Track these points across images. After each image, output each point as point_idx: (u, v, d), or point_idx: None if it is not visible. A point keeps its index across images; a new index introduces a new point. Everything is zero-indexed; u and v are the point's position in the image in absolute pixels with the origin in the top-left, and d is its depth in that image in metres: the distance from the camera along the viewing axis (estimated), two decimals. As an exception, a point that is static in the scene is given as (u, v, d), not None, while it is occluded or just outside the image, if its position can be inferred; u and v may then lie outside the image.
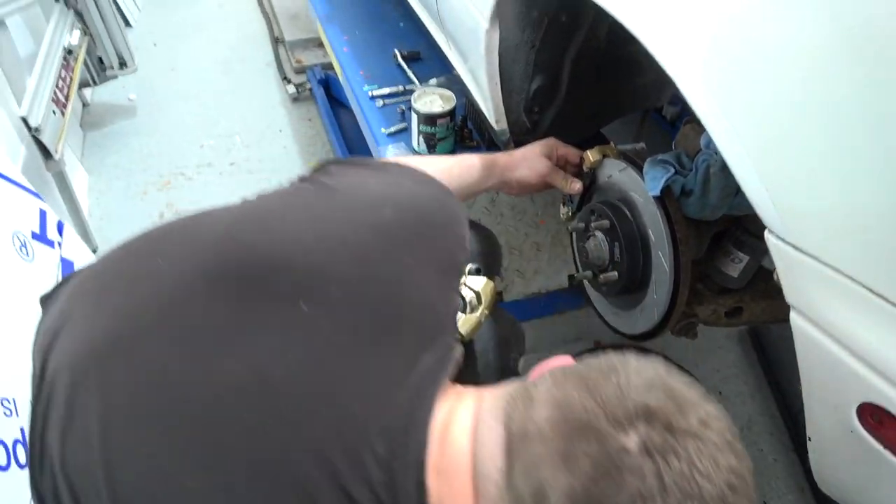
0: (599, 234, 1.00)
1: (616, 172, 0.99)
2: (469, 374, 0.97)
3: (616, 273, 0.98)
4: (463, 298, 0.91)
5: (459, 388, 0.58)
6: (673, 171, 0.90)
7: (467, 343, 0.96)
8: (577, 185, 1.05)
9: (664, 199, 0.89)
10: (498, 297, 0.97)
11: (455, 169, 1.01)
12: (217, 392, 0.51)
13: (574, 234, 1.13)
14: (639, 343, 1.02)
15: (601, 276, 0.99)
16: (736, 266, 1.00)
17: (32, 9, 1.99)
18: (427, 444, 0.51)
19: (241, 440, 0.49)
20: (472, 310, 0.90)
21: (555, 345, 1.81)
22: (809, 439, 0.70)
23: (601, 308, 1.11)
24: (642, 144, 1.06)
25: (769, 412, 1.70)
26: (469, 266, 0.95)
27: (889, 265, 0.52)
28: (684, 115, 1.80)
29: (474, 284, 0.92)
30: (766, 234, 0.62)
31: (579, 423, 0.45)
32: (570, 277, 1.67)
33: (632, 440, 0.44)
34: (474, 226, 1.15)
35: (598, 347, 1.61)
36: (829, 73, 0.50)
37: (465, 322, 0.88)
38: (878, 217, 0.51)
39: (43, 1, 2.09)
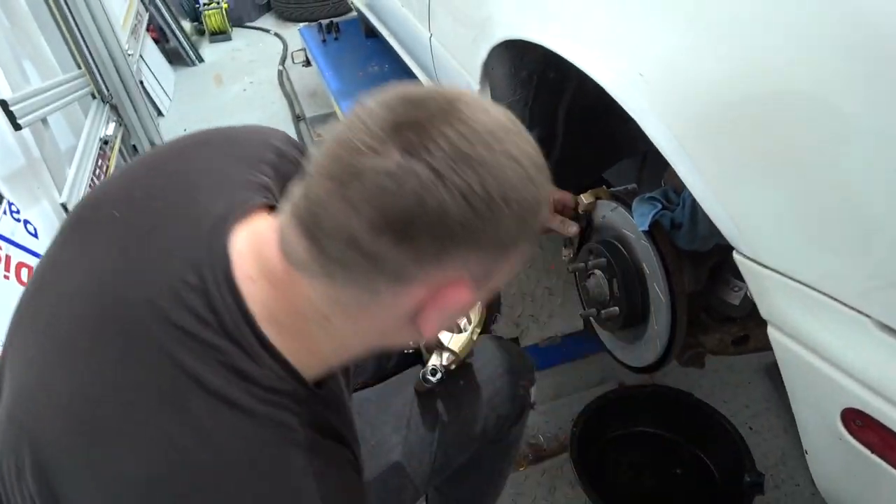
0: (598, 272, 1.04)
1: (608, 212, 1.04)
2: (478, 405, 1.00)
3: (616, 308, 1.02)
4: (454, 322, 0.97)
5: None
6: (660, 206, 0.94)
7: (467, 365, 1.01)
8: (573, 228, 1.10)
9: (654, 232, 0.93)
10: (490, 318, 1.01)
11: None
12: (65, 295, 0.58)
13: (576, 274, 1.17)
14: (648, 373, 1.05)
15: (603, 312, 1.03)
16: (736, 294, 1.03)
17: (72, 106, 2.17)
18: (229, 257, 0.56)
19: (84, 328, 0.55)
20: (463, 329, 0.97)
21: (578, 389, 1.82)
22: (806, 452, 0.72)
23: (609, 344, 1.14)
24: (634, 185, 1.11)
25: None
26: None
27: (845, 272, 0.56)
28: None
29: None
30: (734, 255, 0.66)
31: (343, 169, 0.48)
32: (581, 314, 1.71)
33: (391, 156, 0.47)
34: None
35: (622, 389, 1.62)
36: (774, 105, 0.55)
37: (456, 341, 0.95)
38: (832, 228, 0.55)
39: (81, 99, 2.27)
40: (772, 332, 0.66)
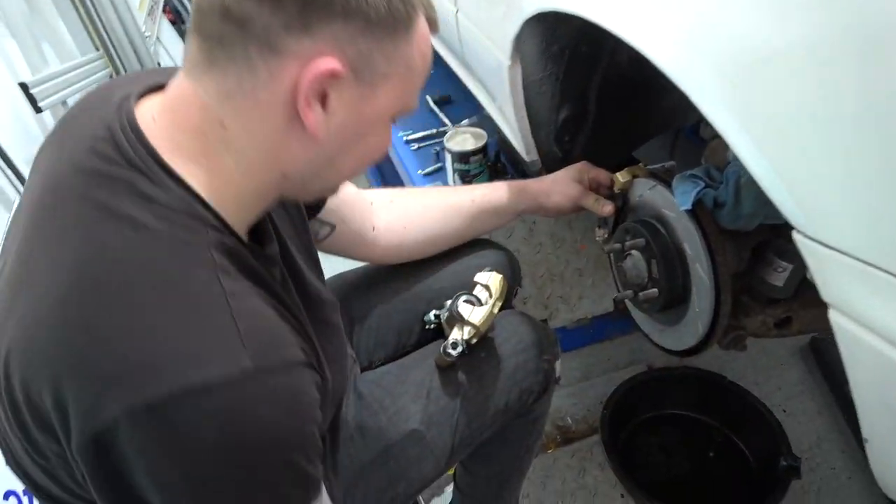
0: (636, 253, 1.01)
1: (646, 191, 1.01)
2: (500, 378, 0.99)
3: (656, 290, 0.98)
4: (475, 296, 0.97)
5: None
6: (703, 184, 0.91)
7: (489, 339, 1.00)
8: (608, 208, 1.06)
9: (696, 212, 0.90)
10: (511, 292, 1.00)
11: (481, 190, 1.09)
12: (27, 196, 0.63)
13: (611, 256, 1.14)
14: (688, 357, 1.01)
15: (641, 295, 1.00)
16: (780, 275, 0.99)
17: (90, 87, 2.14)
18: (133, 110, 0.60)
19: (29, 212, 0.60)
20: (483, 303, 0.96)
21: (607, 370, 1.80)
22: (866, 441, 0.69)
23: (646, 327, 1.10)
24: (672, 163, 1.07)
25: (838, 429, 1.64)
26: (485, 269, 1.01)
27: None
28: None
29: (483, 279, 0.98)
30: (794, 234, 0.62)
31: None
32: (615, 300, 1.67)
33: None
34: (491, 244, 1.17)
35: (652, 371, 1.59)
36: (839, 75, 0.51)
37: (476, 314, 0.94)
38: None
39: (99, 80, 2.25)
40: (834, 317, 0.62)
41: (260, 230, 0.71)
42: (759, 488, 1.43)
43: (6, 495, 1.07)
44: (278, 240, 0.76)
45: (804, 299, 1.06)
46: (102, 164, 0.57)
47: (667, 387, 1.59)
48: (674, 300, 0.98)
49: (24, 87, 1.78)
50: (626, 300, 1.07)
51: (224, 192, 0.60)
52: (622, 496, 1.48)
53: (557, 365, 1.08)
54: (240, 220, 0.63)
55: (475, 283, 0.99)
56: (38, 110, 1.84)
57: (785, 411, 1.68)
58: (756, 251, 1.02)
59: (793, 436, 1.46)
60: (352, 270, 1.20)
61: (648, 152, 1.52)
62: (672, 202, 0.94)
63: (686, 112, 1.32)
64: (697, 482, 1.49)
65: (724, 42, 0.61)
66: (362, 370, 1.05)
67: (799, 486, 1.38)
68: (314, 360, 0.64)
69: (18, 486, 1.11)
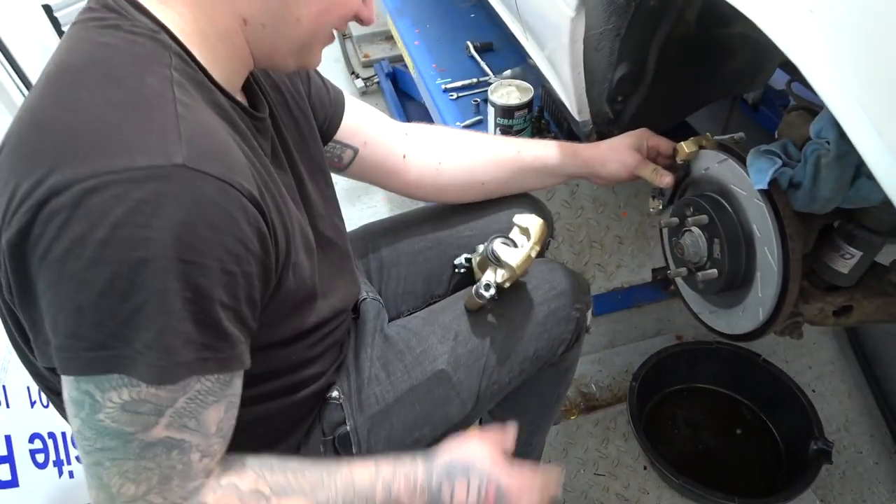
0: (696, 230, 0.95)
1: (714, 164, 0.94)
2: (531, 324, 0.96)
3: (716, 271, 0.93)
4: (510, 239, 0.94)
5: None
6: (780, 162, 0.84)
7: (520, 284, 0.97)
8: (667, 179, 1.00)
9: (771, 192, 0.84)
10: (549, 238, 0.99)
11: (530, 145, 1.04)
12: None
13: (665, 230, 1.08)
14: (741, 342, 0.97)
15: (699, 275, 0.94)
16: (847, 262, 0.93)
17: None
18: None
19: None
20: (520, 246, 0.92)
21: (634, 338, 1.76)
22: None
23: (696, 306, 1.06)
24: (741, 134, 1.00)
25: (868, 411, 1.61)
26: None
27: None
28: (770, 100, 1.71)
29: (523, 221, 0.94)
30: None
31: None
32: (654, 271, 1.62)
33: None
34: (526, 196, 1.12)
35: (685, 344, 1.55)
36: None
37: (514, 255, 0.90)
38: None
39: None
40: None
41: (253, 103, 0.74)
42: (787, 470, 1.41)
43: (31, 438, 1.06)
44: (279, 139, 0.77)
45: (867, 288, 1.00)
46: (85, 14, 0.62)
47: (698, 360, 1.56)
48: (733, 283, 0.93)
49: (47, 9, 1.70)
50: (678, 277, 1.02)
51: (193, 35, 0.62)
52: (645, 468, 1.46)
53: (589, 314, 1.05)
54: (219, 70, 0.64)
55: (513, 225, 0.95)
56: (60, 34, 1.77)
57: (814, 391, 1.65)
58: (822, 234, 0.96)
59: (821, 417, 1.42)
60: (378, 221, 1.15)
61: (699, 122, 1.44)
62: (743, 179, 0.88)
63: (752, 78, 1.23)
64: (722, 459, 1.47)
65: (846, 7, 0.54)
66: (391, 320, 1.02)
67: (824, 468, 1.35)
68: (270, 215, 0.62)
69: (43, 429, 1.10)
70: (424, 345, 0.92)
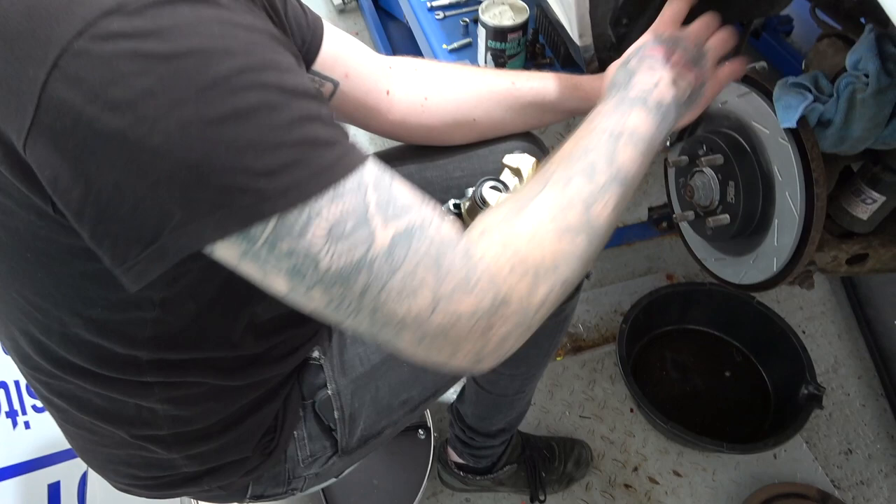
0: (709, 171, 0.87)
1: (733, 98, 0.85)
2: None
3: (728, 216, 0.85)
4: (502, 182, 0.84)
5: None
6: (811, 97, 0.75)
7: None
8: None
9: (799, 130, 0.75)
10: None
11: (525, 77, 0.93)
12: None
13: (670, 169, 0.99)
14: (751, 292, 0.90)
15: (709, 220, 0.86)
16: (867, 207, 0.86)
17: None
18: None
19: None
20: (512, 188, 0.83)
21: (623, 277, 1.71)
22: None
23: (700, 252, 0.98)
24: (763, 63, 0.90)
25: (857, 354, 1.59)
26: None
27: None
28: (772, 27, 1.59)
29: (514, 161, 0.85)
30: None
31: None
32: (651, 210, 1.55)
33: None
34: (527, 134, 1.02)
35: (678, 285, 1.50)
36: None
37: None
38: None
39: None
40: None
41: None
42: (775, 414, 1.39)
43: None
44: None
45: (885, 235, 0.94)
46: None
47: (690, 302, 1.51)
48: (747, 230, 0.85)
49: None
50: (685, 221, 0.94)
51: None
52: (631, 410, 1.44)
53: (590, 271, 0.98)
54: None
55: (503, 167, 0.87)
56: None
57: (804, 332, 1.62)
58: (842, 177, 0.88)
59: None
60: None
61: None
62: (767, 115, 0.79)
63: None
64: (711, 402, 1.44)
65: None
66: None
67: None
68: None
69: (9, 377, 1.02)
70: None
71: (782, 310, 1.65)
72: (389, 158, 1.00)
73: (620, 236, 1.76)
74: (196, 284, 0.60)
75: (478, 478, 1.28)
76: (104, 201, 0.43)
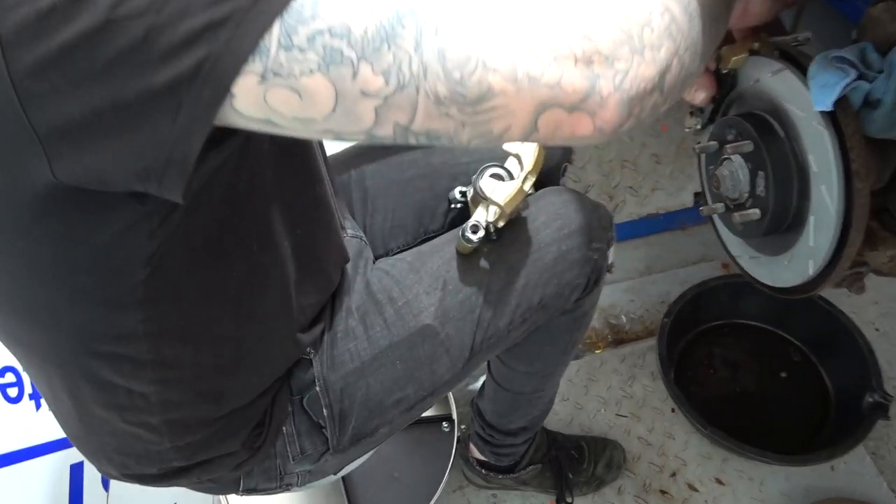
0: (737, 159, 0.76)
1: (767, 76, 0.73)
2: (535, 269, 0.82)
3: (758, 210, 0.75)
4: (505, 168, 0.78)
5: None
6: (854, 74, 0.63)
7: (522, 221, 0.82)
8: (702, 95, 0.80)
9: (837, 114, 0.64)
10: (559, 168, 0.83)
11: None
12: None
13: (702, 156, 0.89)
14: (785, 296, 0.80)
15: (737, 214, 0.76)
16: (930, 200, 0.74)
17: None
18: None
19: None
20: (514, 177, 0.78)
21: (673, 265, 1.59)
22: None
23: (734, 248, 0.88)
24: (807, 34, 0.78)
25: (940, 355, 1.42)
26: None
27: None
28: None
29: (514, 147, 0.79)
30: None
31: None
32: (697, 196, 1.42)
33: None
34: None
35: (727, 277, 1.37)
36: None
37: (501, 190, 0.76)
38: None
39: None
40: None
41: None
42: (835, 423, 1.26)
43: (2, 372, 1.02)
44: None
45: (954, 232, 0.81)
46: None
47: (743, 293, 1.38)
48: (779, 226, 0.75)
49: None
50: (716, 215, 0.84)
51: None
52: (673, 411, 1.34)
53: (610, 252, 0.90)
54: None
55: (507, 154, 0.81)
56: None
57: (878, 329, 1.46)
58: (903, 165, 0.76)
59: (881, 359, 1.25)
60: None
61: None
62: (802, 95, 0.68)
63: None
64: (762, 406, 1.32)
65: None
66: (377, 258, 0.90)
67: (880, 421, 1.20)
68: None
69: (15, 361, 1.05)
70: (408, 296, 0.80)
71: (853, 304, 1.49)
72: (395, 147, 0.95)
73: (673, 220, 1.64)
74: (187, 226, 0.55)
75: (500, 476, 1.23)
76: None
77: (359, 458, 0.89)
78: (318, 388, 0.77)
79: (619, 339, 1.47)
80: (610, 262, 0.90)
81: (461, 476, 1.29)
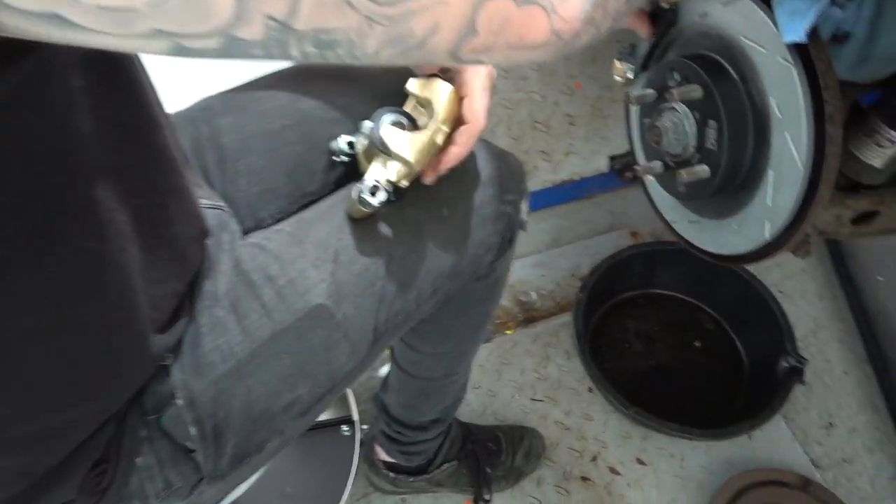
0: (682, 108, 0.66)
1: (717, 7, 0.63)
2: (444, 230, 0.70)
3: (706, 167, 0.65)
4: (407, 115, 0.65)
5: None
6: (826, 0, 0.54)
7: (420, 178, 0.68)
8: (645, 28, 0.69)
9: (809, 47, 0.54)
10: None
11: None
12: None
13: (632, 106, 0.78)
14: (733, 264, 0.71)
15: (682, 172, 0.66)
16: (882, 152, 0.67)
17: None
18: None
19: None
20: (420, 126, 0.65)
21: (582, 236, 1.51)
22: None
23: (669, 213, 0.78)
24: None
25: (839, 316, 1.43)
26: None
27: None
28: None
29: (423, 89, 0.65)
30: None
31: None
32: (612, 160, 1.34)
33: None
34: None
35: (641, 246, 1.30)
36: None
37: (409, 143, 0.62)
38: None
39: None
40: None
41: None
42: (752, 388, 1.23)
43: None
44: None
45: (901, 187, 0.75)
46: None
47: (656, 263, 1.32)
48: (732, 186, 0.65)
49: None
50: (653, 175, 0.74)
51: None
52: (590, 390, 1.26)
53: (523, 205, 0.79)
54: None
55: (408, 95, 0.66)
56: None
57: (781, 292, 1.46)
58: (854, 113, 0.68)
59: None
60: (221, 93, 0.79)
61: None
62: (763, 27, 0.57)
63: None
64: (679, 377, 1.27)
65: None
66: (247, 232, 0.72)
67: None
68: None
69: None
70: (291, 272, 0.64)
71: (757, 269, 1.48)
72: (254, 89, 0.77)
73: (579, 189, 1.56)
74: None
75: (411, 479, 1.09)
76: None
77: (244, 480, 0.72)
78: (179, 403, 0.59)
79: (530, 317, 1.37)
80: (523, 216, 0.79)
81: (366, 484, 1.14)
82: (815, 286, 1.47)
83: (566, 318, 1.34)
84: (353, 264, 0.66)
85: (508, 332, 1.34)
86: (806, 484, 1.13)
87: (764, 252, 0.67)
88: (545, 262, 1.45)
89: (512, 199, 0.75)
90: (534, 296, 1.40)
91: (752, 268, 1.30)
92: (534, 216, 1.54)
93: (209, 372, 0.60)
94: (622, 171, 1.46)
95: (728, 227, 0.69)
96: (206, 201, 0.68)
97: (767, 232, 0.64)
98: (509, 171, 0.76)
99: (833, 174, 0.57)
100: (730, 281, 1.27)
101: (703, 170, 0.65)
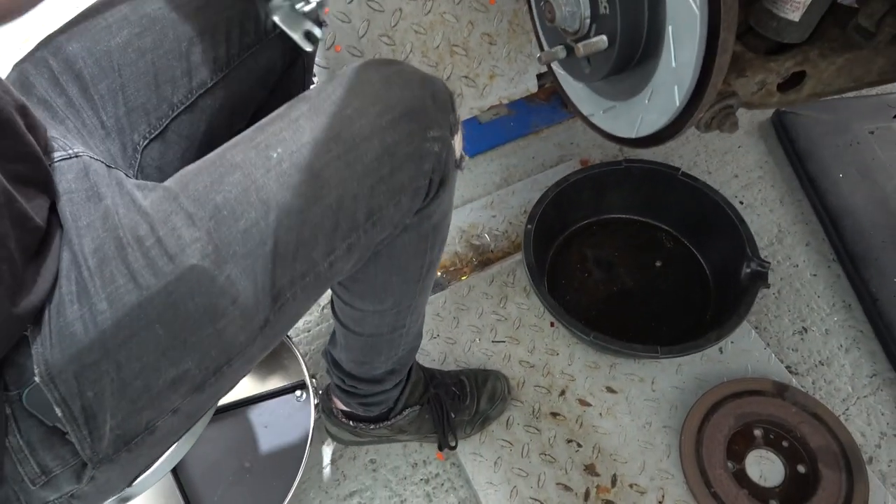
0: (571, -25, 0.59)
1: None
2: (354, 175, 0.60)
3: (604, 37, 0.58)
4: None
5: None
6: None
7: (330, 110, 0.61)
8: None
9: None
10: None
11: None
12: None
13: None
14: (649, 146, 0.65)
15: (579, 46, 0.60)
16: (797, 4, 0.61)
17: None
18: None
19: None
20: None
21: (532, 171, 1.46)
22: None
23: (585, 106, 0.72)
24: None
25: (803, 219, 1.38)
26: None
27: None
28: None
29: None
30: None
31: None
32: (541, 78, 1.27)
33: None
34: None
35: (586, 169, 1.24)
36: None
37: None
38: None
39: None
40: None
41: None
42: (718, 302, 1.18)
43: None
44: None
45: (826, 42, 0.69)
46: None
47: (605, 187, 1.26)
48: (634, 53, 0.59)
49: None
50: (555, 62, 0.68)
51: None
52: (552, 325, 1.21)
53: (457, 141, 0.67)
54: None
55: None
56: None
57: (742, 202, 1.41)
58: (762, -37, 0.62)
59: (752, 232, 1.18)
60: (61, 25, 0.72)
61: None
62: None
63: None
64: (643, 300, 1.22)
65: None
66: (134, 165, 0.65)
67: (760, 293, 1.12)
68: None
69: None
70: (160, 231, 0.56)
71: (715, 180, 1.43)
72: (94, 10, 0.70)
73: (525, 123, 1.50)
74: None
75: (371, 427, 1.03)
76: None
77: (153, 461, 0.65)
78: (37, 379, 0.53)
79: (484, 260, 1.32)
80: (458, 155, 0.69)
81: (331, 449, 1.09)
82: (775, 192, 1.42)
83: (521, 256, 1.28)
84: (237, 220, 0.56)
85: (464, 278, 1.29)
86: (782, 389, 1.08)
87: (680, 121, 0.61)
88: (496, 202, 1.39)
89: (438, 134, 0.64)
90: (487, 238, 1.34)
91: (709, 180, 1.24)
92: (480, 158, 1.49)
93: (71, 345, 0.53)
94: (560, 97, 1.40)
95: (641, 105, 0.64)
96: (60, 153, 0.61)
97: (678, 97, 0.58)
98: (434, 100, 0.64)
99: (733, 14, 0.52)
100: (683, 195, 1.22)
101: (600, 40, 0.59)
